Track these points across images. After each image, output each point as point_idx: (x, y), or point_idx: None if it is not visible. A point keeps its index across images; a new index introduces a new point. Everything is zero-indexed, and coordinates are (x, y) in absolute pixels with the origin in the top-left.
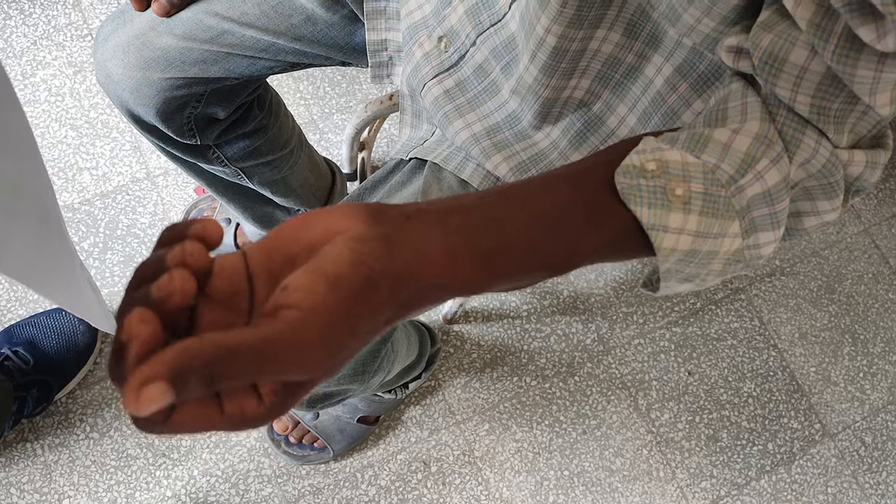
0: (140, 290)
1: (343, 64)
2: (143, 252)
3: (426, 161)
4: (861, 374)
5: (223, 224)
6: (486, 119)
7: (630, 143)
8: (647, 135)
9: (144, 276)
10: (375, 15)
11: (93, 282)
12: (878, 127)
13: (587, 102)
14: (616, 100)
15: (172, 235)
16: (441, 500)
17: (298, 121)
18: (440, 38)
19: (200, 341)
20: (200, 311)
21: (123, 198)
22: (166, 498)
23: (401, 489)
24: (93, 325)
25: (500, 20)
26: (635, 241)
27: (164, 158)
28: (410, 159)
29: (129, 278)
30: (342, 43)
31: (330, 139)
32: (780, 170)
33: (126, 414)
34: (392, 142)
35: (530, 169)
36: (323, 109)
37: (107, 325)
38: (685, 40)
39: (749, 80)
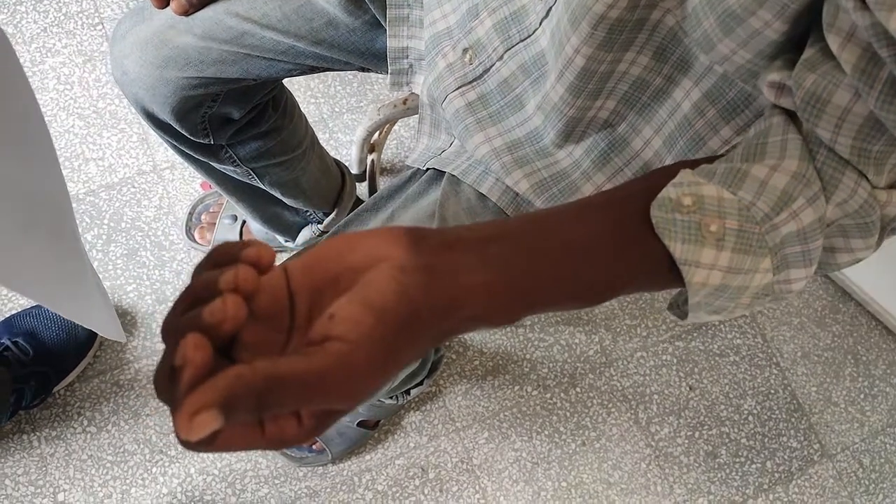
0: (192, 313)
1: (362, 69)
2: (147, 245)
3: (444, 172)
4: (862, 396)
5: (228, 221)
6: (508, 134)
7: (665, 174)
8: (683, 165)
9: (197, 296)
10: (398, 22)
11: (101, 285)
12: None
13: (612, 123)
14: (642, 122)
15: (224, 257)
16: None
17: (308, 119)
18: (465, 50)
19: (252, 371)
20: (243, 328)
21: (129, 190)
22: (162, 495)
23: (398, 495)
24: (100, 333)
25: (529, 36)
26: (667, 275)
27: (171, 152)
28: (427, 169)
29: (180, 295)
30: (363, 48)
31: (339, 139)
32: (816, 209)
33: (169, 425)
34: (401, 144)
35: (551, 187)
36: (333, 108)
37: (114, 333)
38: (717, 67)
39: (790, 114)
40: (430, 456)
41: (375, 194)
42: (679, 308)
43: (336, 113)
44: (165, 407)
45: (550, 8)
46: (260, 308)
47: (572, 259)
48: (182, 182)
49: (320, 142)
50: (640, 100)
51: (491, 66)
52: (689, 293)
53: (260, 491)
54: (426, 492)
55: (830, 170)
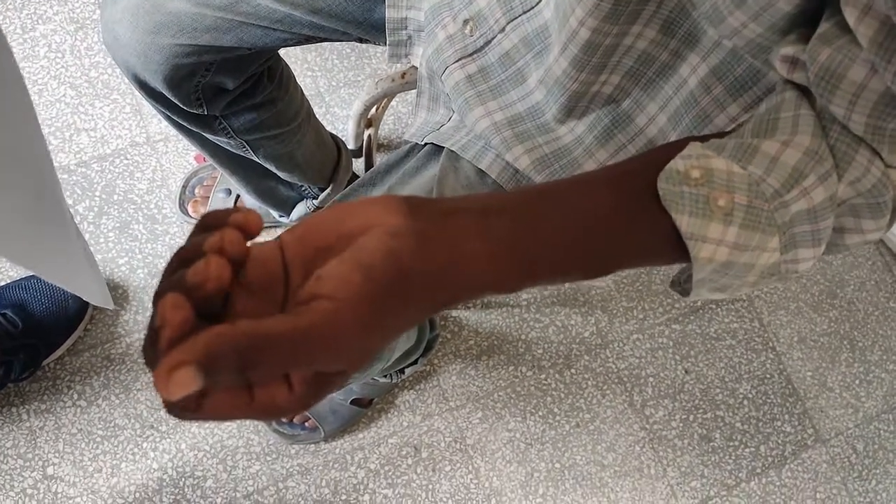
0: (175, 275)
1: (360, 40)
2: (140, 219)
3: (442, 147)
4: (857, 382)
5: (222, 195)
6: (509, 108)
7: (674, 147)
8: (693, 139)
9: (182, 261)
10: None
11: (89, 251)
12: None
13: (616, 99)
14: (646, 98)
15: (212, 221)
16: (430, 487)
17: (305, 92)
18: (466, 21)
19: (233, 328)
20: (234, 298)
21: (121, 162)
22: (152, 470)
23: (390, 473)
24: (88, 300)
25: (533, 7)
26: (673, 248)
27: (164, 123)
28: (426, 144)
29: (169, 262)
30: (360, 18)
31: (336, 113)
32: (827, 188)
33: (160, 400)
34: (399, 120)
35: (552, 164)
36: (330, 82)
37: (101, 300)
38: (726, 42)
39: (803, 90)
40: (424, 435)
41: (372, 169)
42: (681, 285)
43: (333, 87)
44: None
45: None
46: (253, 279)
47: (577, 229)
48: (176, 154)
49: (316, 116)
50: (645, 75)
51: (492, 38)
52: (695, 269)
53: (251, 468)
54: (419, 471)
55: (844, 147)
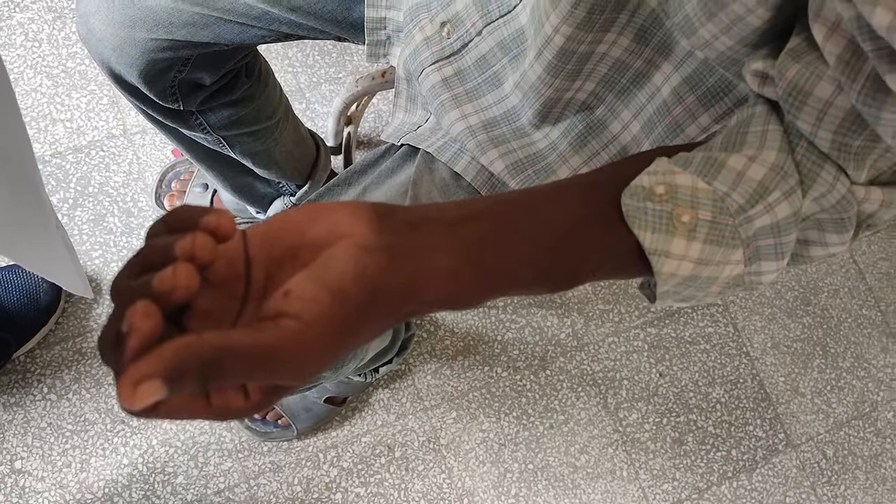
0: (143, 278)
1: (338, 39)
2: (115, 212)
3: (418, 148)
4: (828, 388)
5: (199, 190)
6: (484, 112)
7: (643, 159)
8: (661, 152)
9: (150, 261)
10: None
11: (68, 241)
12: None
13: (590, 105)
14: (620, 105)
15: (183, 221)
16: (403, 486)
17: (285, 88)
18: (443, 24)
19: (200, 342)
20: (196, 294)
21: (97, 154)
22: (122, 466)
23: (363, 472)
24: (67, 289)
25: (510, 11)
26: (638, 263)
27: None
28: (402, 145)
29: (132, 257)
30: (339, 17)
31: (316, 109)
32: (791, 203)
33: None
34: (379, 117)
35: (527, 168)
36: (311, 79)
37: (81, 289)
38: (698, 53)
39: (773, 105)
40: (397, 434)
41: (348, 168)
42: (650, 289)
43: (314, 83)
44: None
45: None
46: (215, 274)
47: (542, 243)
48: (153, 148)
49: (297, 112)
50: (619, 82)
51: (469, 42)
52: (658, 282)
53: (223, 464)
54: (392, 470)
55: (809, 163)
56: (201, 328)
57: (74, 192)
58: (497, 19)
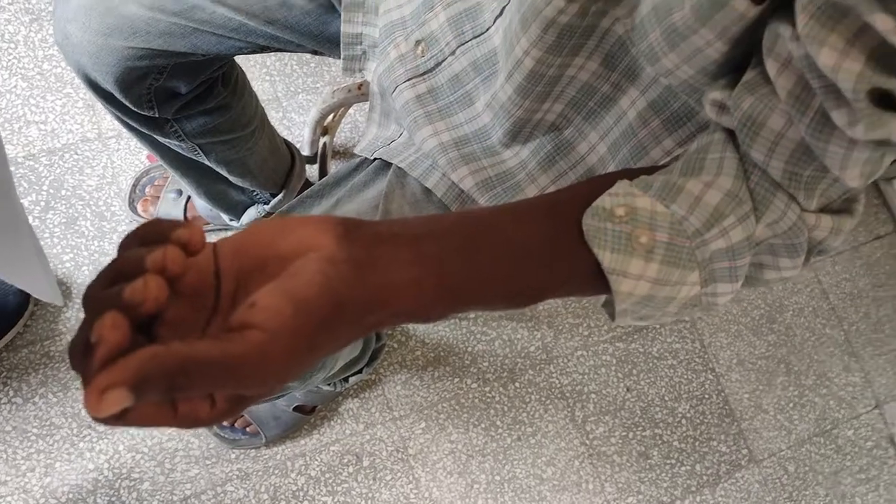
0: (114, 289)
1: (314, 52)
2: (88, 215)
3: (391, 163)
4: (791, 405)
5: (173, 196)
6: (456, 130)
7: (606, 181)
8: (623, 174)
9: (121, 272)
10: (353, 7)
11: (40, 247)
12: (848, 193)
13: (559, 126)
14: (588, 127)
15: (155, 234)
16: (370, 495)
17: (262, 97)
18: (417, 42)
19: (167, 352)
20: (166, 304)
21: (71, 157)
22: (88, 471)
23: (331, 481)
24: (37, 297)
25: (483, 33)
26: (597, 282)
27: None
28: (375, 159)
29: (105, 268)
30: (316, 31)
31: (293, 118)
32: (745, 228)
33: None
34: (356, 127)
35: (496, 186)
36: (288, 88)
37: (50, 296)
38: (662, 79)
39: (731, 133)
40: (366, 444)
41: (322, 180)
42: (611, 307)
43: (291, 92)
44: None
45: (504, 7)
46: (185, 286)
47: (505, 260)
48: (128, 152)
49: (273, 120)
50: (587, 105)
51: (443, 61)
52: (616, 301)
53: (190, 471)
54: (359, 479)
55: (763, 191)
56: (170, 338)
57: (47, 194)
58: (470, 40)
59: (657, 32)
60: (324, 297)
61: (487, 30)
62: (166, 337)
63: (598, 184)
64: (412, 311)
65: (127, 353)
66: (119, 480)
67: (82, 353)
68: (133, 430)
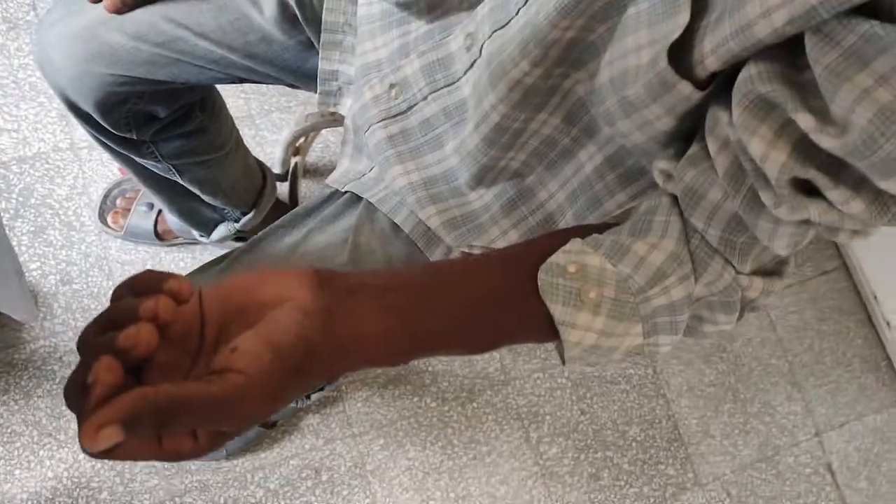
0: (109, 335)
1: (291, 86)
2: (57, 224)
3: (361, 197)
4: (736, 431)
5: (144, 209)
6: (425, 170)
7: (559, 238)
8: (575, 231)
9: (115, 319)
10: (331, 46)
11: (19, 265)
12: (778, 258)
13: (522, 173)
14: (549, 176)
15: (147, 285)
16: None
17: (236, 114)
18: (392, 85)
19: (156, 392)
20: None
21: (42, 165)
22: (47, 479)
23: (289, 494)
24: (12, 315)
25: (454, 83)
26: (549, 331)
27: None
28: (346, 192)
29: (99, 315)
30: (294, 67)
31: (265, 136)
32: (685, 287)
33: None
34: (327, 147)
35: (461, 226)
36: (262, 106)
37: (26, 315)
38: (618, 139)
39: (676, 198)
40: (325, 458)
41: (293, 210)
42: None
43: (265, 111)
44: (57, 390)
45: (475, 61)
46: (173, 332)
47: (467, 311)
48: (99, 164)
49: (246, 138)
50: (548, 156)
51: (415, 105)
52: (565, 349)
53: (150, 482)
54: (317, 493)
55: (702, 254)
56: (157, 380)
57: (16, 202)
58: (442, 88)
59: (613, 100)
60: (298, 344)
61: (458, 80)
62: (154, 379)
63: (553, 240)
64: (379, 358)
65: (119, 394)
66: (78, 489)
67: (79, 394)
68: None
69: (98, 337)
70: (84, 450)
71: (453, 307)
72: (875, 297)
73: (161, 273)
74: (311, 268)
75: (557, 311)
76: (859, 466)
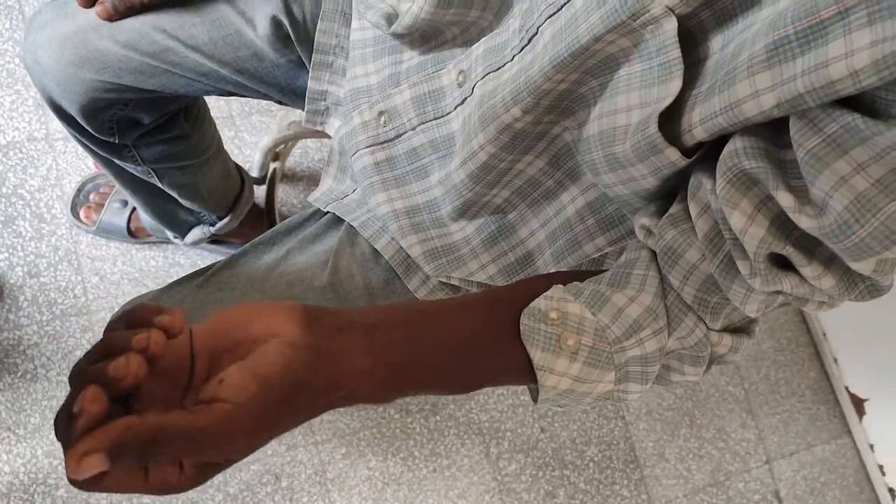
0: (98, 365)
1: (280, 102)
2: (27, 216)
3: (343, 219)
4: (690, 455)
5: (118, 205)
6: (409, 199)
7: (543, 283)
8: (557, 277)
9: (108, 351)
10: (322, 67)
11: None
12: (748, 318)
13: (504, 210)
14: (530, 214)
15: (140, 320)
16: None
17: (217, 114)
18: (381, 113)
19: (141, 422)
20: (145, 380)
21: (16, 154)
22: (3, 473)
23: (248, 499)
24: None
25: (443, 116)
26: (527, 374)
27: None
28: (327, 212)
29: (94, 346)
30: (283, 84)
31: (244, 138)
32: (658, 341)
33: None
34: (305, 153)
35: (441, 257)
36: (243, 107)
37: None
38: (601, 187)
39: (655, 253)
40: (286, 465)
41: (273, 227)
42: (535, 392)
43: (245, 112)
44: (18, 383)
45: (466, 98)
46: (163, 366)
47: (450, 354)
48: (74, 156)
49: (225, 139)
50: (531, 195)
51: (403, 133)
52: (541, 392)
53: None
54: (276, 499)
55: (676, 310)
56: (146, 411)
57: None
58: (431, 120)
59: (600, 154)
60: (285, 377)
61: (448, 114)
62: (143, 410)
63: (535, 284)
64: (364, 395)
65: (105, 423)
66: (34, 485)
67: (66, 423)
68: (53, 436)
69: (89, 366)
70: (70, 480)
71: (439, 348)
72: (824, 335)
73: (154, 306)
74: (299, 304)
75: (537, 356)
76: (806, 495)
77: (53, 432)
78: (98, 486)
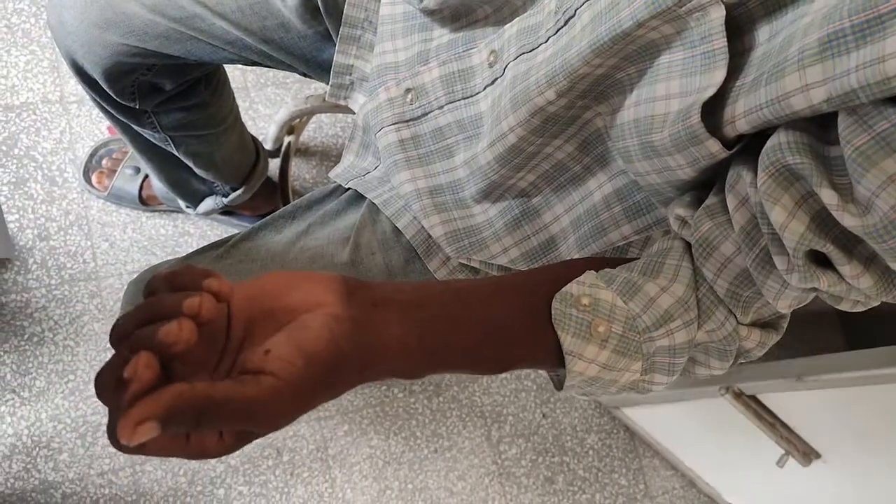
0: (148, 329)
1: (304, 75)
2: (39, 178)
3: (365, 196)
4: None
5: (130, 172)
6: (433, 178)
7: (575, 267)
8: (591, 263)
9: (156, 313)
10: (349, 40)
11: None
12: (778, 313)
13: (529, 193)
14: (555, 199)
15: (186, 282)
16: (286, 490)
17: (232, 85)
18: (408, 90)
19: (192, 391)
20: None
21: (29, 116)
22: (6, 435)
23: (249, 471)
24: None
25: (472, 96)
26: (555, 358)
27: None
28: (349, 188)
29: (137, 307)
30: (309, 56)
31: (259, 110)
32: (688, 332)
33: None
34: (320, 128)
35: (463, 239)
36: (259, 79)
37: (2, 251)
38: (632, 175)
39: (689, 243)
40: (288, 440)
41: (295, 202)
42: (557, 378)
43: (261, 84)
44: (25, 346)
45: (497, 79)
46: (204, 329)
47: (482, 334)
48: (88, 120)
49: (240, 110)
50: (557, 179)
51: (430, 112)
52: (567, 377)
53: (111, 446)
54: (277, 473)
55: (708, 302)
56: (184, 374)
57: None
58: (459, 100)
59: (635, 141)
60: (330, 351)
61: (476, 94)
62: (181, 373)
63: (568, 269)
64: (398, 368)
65: (153, 390)
66: (37, 448)
67: (114, 388)
68: (58, 400)
69: (136, 329)
70: (115, 444)
71: (472, 330)
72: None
73: (200, 269)
74: (339, 275)
75: (567, 341)
76: None
77: (95, 393)
78: (141, 450)
